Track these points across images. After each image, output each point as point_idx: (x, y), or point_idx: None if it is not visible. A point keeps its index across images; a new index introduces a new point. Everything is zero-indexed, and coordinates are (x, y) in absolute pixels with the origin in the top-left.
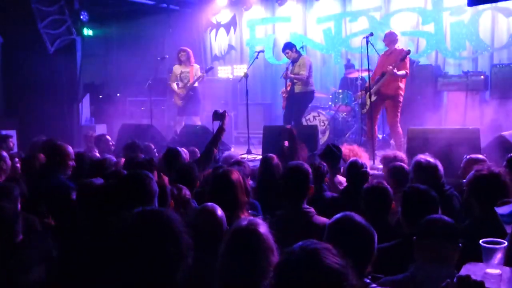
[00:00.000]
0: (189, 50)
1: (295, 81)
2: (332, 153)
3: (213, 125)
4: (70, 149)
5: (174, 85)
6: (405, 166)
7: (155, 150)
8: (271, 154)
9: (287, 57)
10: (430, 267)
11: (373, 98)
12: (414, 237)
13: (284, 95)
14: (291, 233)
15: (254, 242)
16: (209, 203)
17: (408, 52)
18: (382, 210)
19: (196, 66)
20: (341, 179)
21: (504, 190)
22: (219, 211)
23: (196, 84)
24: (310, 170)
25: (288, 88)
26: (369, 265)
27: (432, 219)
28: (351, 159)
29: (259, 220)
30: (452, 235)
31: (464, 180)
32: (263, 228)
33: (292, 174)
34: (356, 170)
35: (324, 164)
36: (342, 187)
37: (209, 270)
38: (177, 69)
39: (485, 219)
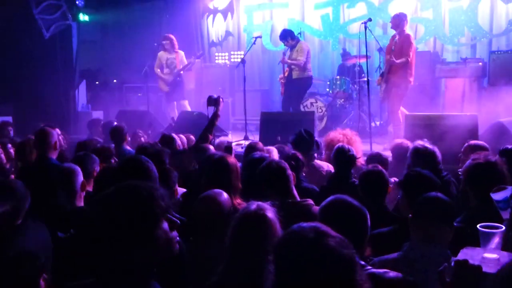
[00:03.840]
0: (172, 37)
1: (292, 67)
2: (304, 140)
3: (208, 111)
4: (52, 130)
5: (159, 71)
6: (383, 154)
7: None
8: (255, 140)
9: (285, 45)
10: (423, 246)
11: (384, 85)
12: (410, 215)
13: (282, 81)
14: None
15: (261, 227)
16: (215, 190)
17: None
18: (379, 194)
19: (181, 53)
20: (321, 163)
21: (500, 179)
22: (224, 196)
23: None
24: (286, 166)
25: (286, 74)
26: (363, 245)
27: (427, 198)
28: (337, 145)
29: (267, 205)
30: (447, 215)
31: (460, 170)
32: (271, 213)
33: (270, 172)
34: (343, 156)
35: (299, 155)
36: (323, 171)
37: (213, 254)
38: (162, 55)
39: (481, 209)
